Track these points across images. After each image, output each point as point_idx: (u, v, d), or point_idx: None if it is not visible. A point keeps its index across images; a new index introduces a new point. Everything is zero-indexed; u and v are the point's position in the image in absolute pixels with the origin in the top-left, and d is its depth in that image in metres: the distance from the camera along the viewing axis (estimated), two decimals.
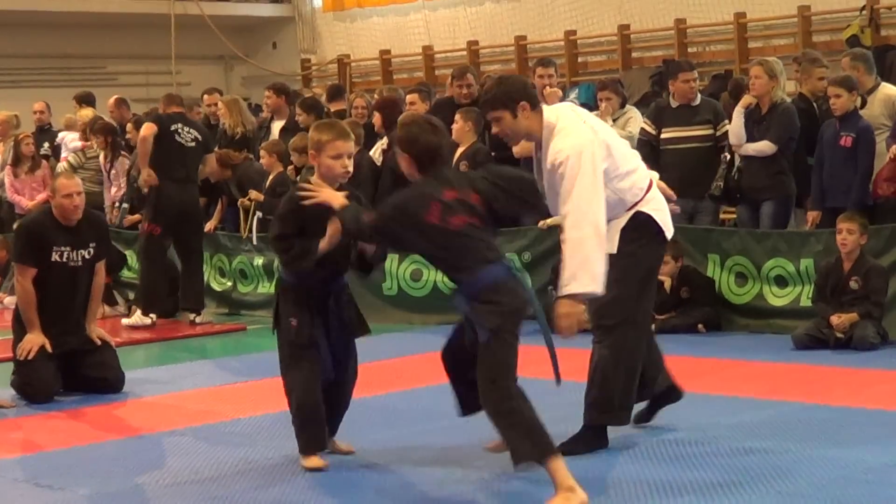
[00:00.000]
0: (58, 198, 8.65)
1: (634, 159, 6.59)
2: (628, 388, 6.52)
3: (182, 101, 12.73)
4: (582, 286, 6.03)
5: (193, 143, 11.98)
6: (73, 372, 8.73)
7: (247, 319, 12.34)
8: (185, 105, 12.96)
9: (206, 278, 12.79)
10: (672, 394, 6.88)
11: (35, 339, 8.53)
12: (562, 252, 6.13)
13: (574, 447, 6.32)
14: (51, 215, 8.75)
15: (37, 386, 8.51)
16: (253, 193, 12.34)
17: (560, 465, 5.49)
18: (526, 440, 5.52)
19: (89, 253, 8.76)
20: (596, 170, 6.16)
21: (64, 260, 8.65)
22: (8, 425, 7.93)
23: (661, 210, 6.54)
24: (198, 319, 12.01)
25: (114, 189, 13.78)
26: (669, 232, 6.59)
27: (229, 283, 12.99)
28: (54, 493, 6.13)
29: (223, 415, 7.88)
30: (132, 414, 8.26)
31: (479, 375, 5.63)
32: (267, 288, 12.52)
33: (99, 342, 8.81)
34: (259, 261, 12.59)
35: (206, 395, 8.74)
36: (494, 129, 6.43)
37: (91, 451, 7.09)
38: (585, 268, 6.04)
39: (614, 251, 6.32)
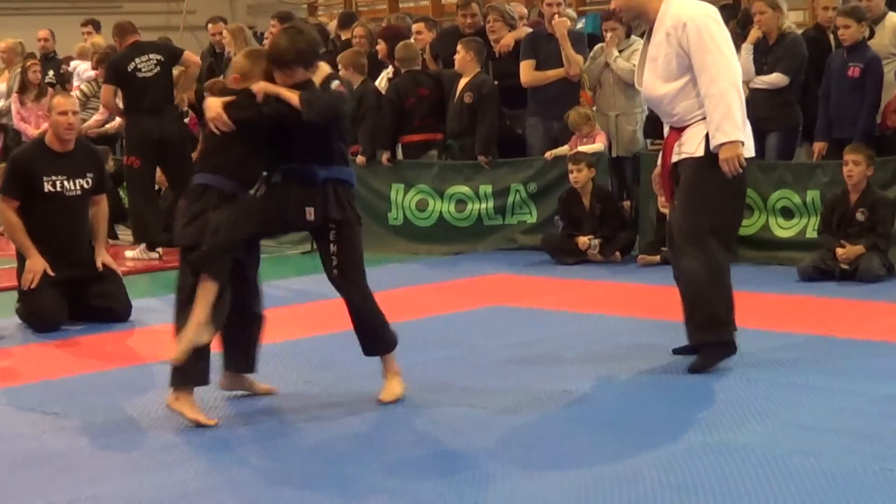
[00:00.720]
0: (53, 115, 8.65)
1: None
2: (728, 300, 6.67)
3: (134, 27, 12.22)
4: (727, 135, 6.40)
5: (157, 69, 11.62)
6: (80, 302, 8.73)
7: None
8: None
9: None
10: None
11: (35, 266, 8.53)
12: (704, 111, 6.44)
13: (704, 364, 6.60)
14: (43, 145, 8.72)
15: (42, 315, 8.53)
16: None
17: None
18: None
19: (87, 182, 8.75)
20: (724, 34, 6.56)
21: (59, 189, 8.63)
22: (13, 354, 7.96)
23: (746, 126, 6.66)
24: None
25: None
26: (751, 151, 6.68)
27: None
28: (60, 420, 6.16)
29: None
30: (139, 342, 8.29)
31: None
32: None
33: (104, 270, 8.81)
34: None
35: None
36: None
37: (97, 379, 7.12)
38: (729, 118, 6.40)
39: (701, 154, 6.50)
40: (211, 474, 5.26)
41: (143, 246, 11.74)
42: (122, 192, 12.66)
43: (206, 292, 5.90)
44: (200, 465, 5.39)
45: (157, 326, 8.62)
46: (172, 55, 11.85)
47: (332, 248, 6.15)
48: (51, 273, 8.53)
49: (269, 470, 5.30)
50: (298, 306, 9.05)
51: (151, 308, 9.15)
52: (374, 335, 6.30)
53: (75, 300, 8.70)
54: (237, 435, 5.82)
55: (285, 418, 6.11)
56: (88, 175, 8.75)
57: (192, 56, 12.13)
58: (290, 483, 5.11)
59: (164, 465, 5.36)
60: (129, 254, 11.74)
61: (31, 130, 14.47)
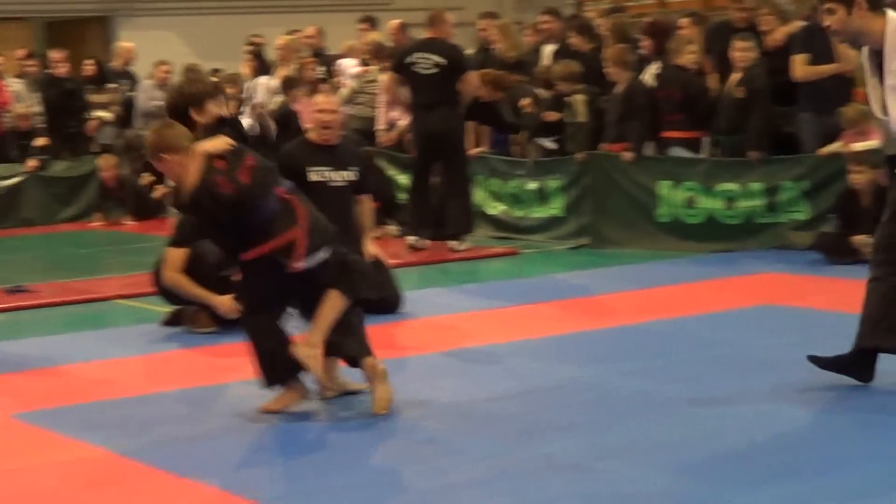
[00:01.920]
0: (313, 113, 8.89)
1: None
2: None
3: (442, 19, 12.42)
4: None
5: (434, 70, 11.94)
6: None
7: (520, 244, 12.43)
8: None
9: (478, 202, 12.93)
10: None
11: None
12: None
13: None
14: (307, 140, 8.96)
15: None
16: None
17: None
18: None
19: (352, 175, 8.87)
20: None
21: (324, 179, 8.82)
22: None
23: None
24: (457, 246, 12.01)
25: (396, 112, 13.93)
26: None
27: (503, 207, 13.08)
28: (327, 408, 6.32)
29: (492, 337, 8.00)
30: (407, 334, 8.42)
31: None
32: (540, 212, 12.58)
33: (373, 261, 8.99)
34: (532, 185, 12.65)
35: (478, 317, 8.85)
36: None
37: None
38: None
39: None
40: (479, 465, 5.31)
41: (414, 238, 11.95)
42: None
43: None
44: (469, 455, 5.43)
45: (426, 319, 8.78)
46: (455, 67, 12.03)
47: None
48: None
49: (532, 461, 5.32)
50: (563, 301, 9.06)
51: (421, 299, 9.27)
52: None
53: None
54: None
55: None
56: (352, 168, 8.92)
57: (473, 79, 12.26)
58: (554, 476, 5.12)
59: (431, 456, 5.43)
60: (409, 239, 11.92)
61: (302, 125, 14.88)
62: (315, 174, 8.79)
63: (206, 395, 6.76)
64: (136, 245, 13.59)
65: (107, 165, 16.12)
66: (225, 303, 7.86)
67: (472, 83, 12.20)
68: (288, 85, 14.61)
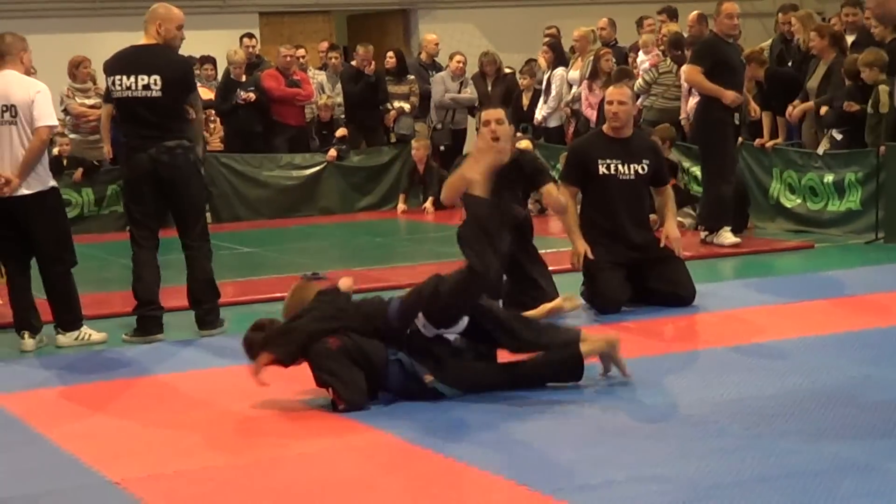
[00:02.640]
0: (606, 103, 8.92)
1: None
2: None
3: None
4: None
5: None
6: (642, 284, 8.88)
7: (815, 237, 12.14)
8: None
9: (774, 194, 12.71)
10: None
11: (578, 249, 8.78)
12: None
13: None
14: (600, 132, 8.99)
15: (606, 296, 8.74)
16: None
17: None
18: None
19: (643, 168, 8.86)
20: None
21: (612, 172, 8.81)
22: None
23: None
24: (713, 239, 11.71)
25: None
26: None
27: (798, 200, 12.79)
28: (622, 401, 6.29)
29: (783, 333, 7.84)
30: (698, 328, 8.33)
31: None
32: (836, 206, 12.26)
33: (666, 253, 8.92)
34: (829, 178, 12.32)
35: (770, 312, 8.66)
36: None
37: (659, 362, 7.22)
38: None
39: None
40: (766, 461, 5.20)
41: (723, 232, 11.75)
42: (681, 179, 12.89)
43: None
44: (754, 453, 5.33)
45: (720, 312, 8.66)
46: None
47: None
48: (590, 256, 8.75)
49: (820, 460, 5.18)
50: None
51: (709, 293, 9.15)
52: None
53: (637, 283, 8.86)
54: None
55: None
56: (644, 161, 8.89)
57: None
58: (843, 476, 4.97)
59: (719, 452, 5.35)
60: (712, 239, 11.76)
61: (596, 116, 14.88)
62: (604, 166, 8.79)
63: None
64: (430, 234, 13.86)
65: (418, 146, 16.48)
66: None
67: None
68: (588, 76, 14.72)
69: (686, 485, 4.89)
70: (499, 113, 8.42)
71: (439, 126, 17.29)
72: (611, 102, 8.92)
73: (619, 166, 8.83)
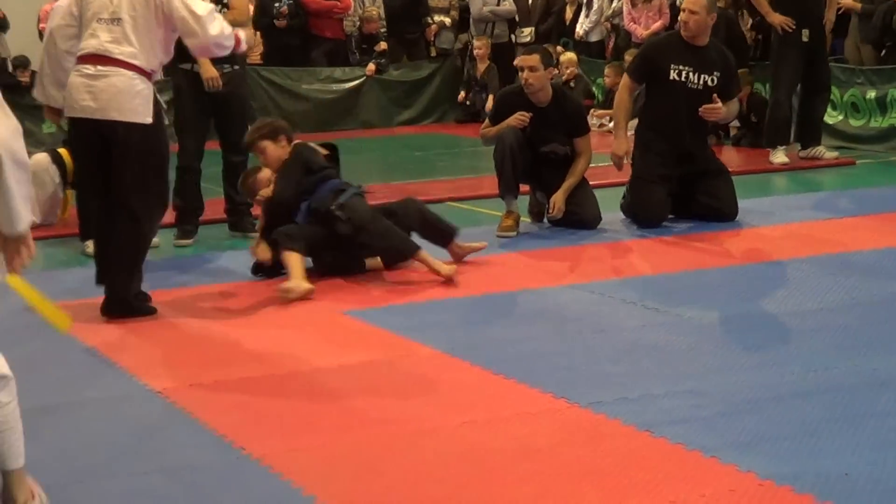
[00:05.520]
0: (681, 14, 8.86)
1: None
2: None
3: None
4: None
5: None
6: (688, 196, 8.86)
7: (857, 154, 12.05)
8: None
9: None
10: None
11: (619, 148, 8.81)
12: None
13: None
14: (678, 36, 8.89)
15: (648, 210, 8.71)
16: None
17: None
18: None
19: (713, 80, 8.74)
20: None
21: (682, 79, 8.72)
22: (618, 249, 8.20)
23: None
24: (776, 159, 11.72)
25: None
26: None
27: (840, 117, 12.69)
28: (659, 315, 6.30)
29: (824, 248, 7.80)
30: (738, 242, 8.29)
31: None
32: (879, 122, 12.14)
33: (715, 167, 8.90)
34: (871, 94, 12.20)
35: (811, 227, 8.62)
36: None
37: (697, 277, 7.22)
38: None
39: None
40: (805, 376, 5.20)
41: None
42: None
43: None
44: (793, 367, 5.33)
45: (760, 228, 8.61)
46: None
47: None
48: (625, 161, 8.83)
49: (858, 375, 5.17)
50: None
51: (750, 209, 9.10)
52: None
53: (683, 194, 8.82)
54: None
55: None
56: (715, 73, 8.77)
57: None
58: (880, 391, 4.96)
59: (760, 365, 5.35)
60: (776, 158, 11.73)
61: (639, 31, 14.76)
62: (675, 72, 8.72)
63: (529, 299, 6.84)
64: (468, 149, 13.83)
65: (480, 44, 16.43)
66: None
67: None
68: None
69: (724, 399, 4.89)
70: (532, 59, 8.54)
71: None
72: (684, 10, 8.85)
73: (690, 74, 8.73)
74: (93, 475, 4.34)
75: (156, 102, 6.54)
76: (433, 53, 17.58)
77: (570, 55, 15.76)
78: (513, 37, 17.33)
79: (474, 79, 16.60)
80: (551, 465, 4.23)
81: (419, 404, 5.01)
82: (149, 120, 6.45)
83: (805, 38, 11.52)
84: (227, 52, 6.84)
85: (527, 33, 17.11)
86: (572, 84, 15.14)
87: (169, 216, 9.00)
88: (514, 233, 8.45)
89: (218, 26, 6.54)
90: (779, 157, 11.57)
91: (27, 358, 5.96)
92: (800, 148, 11.90)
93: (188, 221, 8.86)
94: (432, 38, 17.47)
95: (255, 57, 16.34)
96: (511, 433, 4.59)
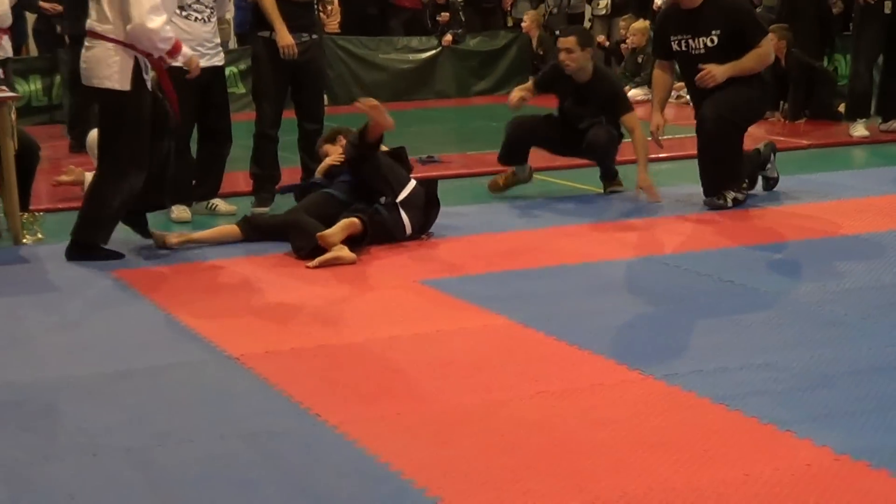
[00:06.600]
0: None
1: None
2: None
3: None
4: None
5: None
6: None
7: None
8: None
9: None
10: None
11: (653, 122, 8.66)
12: None
13: None
14: (675, 5, 8.54)
15: None
16: None
17: None
18: None
19: (712, 41, 8.30)
20: None
21: (684, 48, 8.46)
22: (692, 222, 8.16)
23: None
24: (855, 132, 11.55)
25: None
26: None
27: None
28: (735, 288, 6.28)
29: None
30: (818, 216, 8.19)
31: None
32: None
33: None
34: None
35: (887, 202, 8.53)
36: None
37: (774, 250, 7.19)
38: None
39: None
40: (881, 352, 5.15)
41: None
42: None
43: None
44: (869, 343, 5.29)
45: (834, 202, 8.54)
46: None
47: None
48: (660, 134, 8.68)
49: None
50: None
51: (834, 183, 9.00)
52: None
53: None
54: None
55: None
56: (713, 32, 8.30)
57: None
58: None
59: (837, 339, 5.32)
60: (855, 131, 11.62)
61: None
62: (676, 43, 8.51)
63: (604, 270, 6.83)
64: None
65: (527, 17, 16.41)
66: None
67: None
68: None
69: (799, 373, 4.88)
70: (568, 41, 8.72)
71: (555, 10, 17.15)
72: None
73: (690, 41, 8.38)
74: (172, 439, 4.40)
75: (137, 72, 7.27)
76: (509, 23, 17.55)
77: (643, 23, 15.67)
78: (588, 7, 17.25)
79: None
80: (625, 436, 4.24)
81: (494, 374, 5.03)
82: (126, 87, 7.27)
83: (888, 11, 11.36)
84: (158, 53, 7.36)
85: (603, 5, 17.03)
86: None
87: (246, 183, 9.13)
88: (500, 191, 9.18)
89: (158, 22, 7.18)
90: (858, 130, 11.46)
91: (108, 324, 6.06)
92: (881, 121, 11.80)
93: (265, 189, 8.93)
94: (509, 8, 17.43)
95: (333, 26, 16.39)
96: (585, 404, 4.61)
